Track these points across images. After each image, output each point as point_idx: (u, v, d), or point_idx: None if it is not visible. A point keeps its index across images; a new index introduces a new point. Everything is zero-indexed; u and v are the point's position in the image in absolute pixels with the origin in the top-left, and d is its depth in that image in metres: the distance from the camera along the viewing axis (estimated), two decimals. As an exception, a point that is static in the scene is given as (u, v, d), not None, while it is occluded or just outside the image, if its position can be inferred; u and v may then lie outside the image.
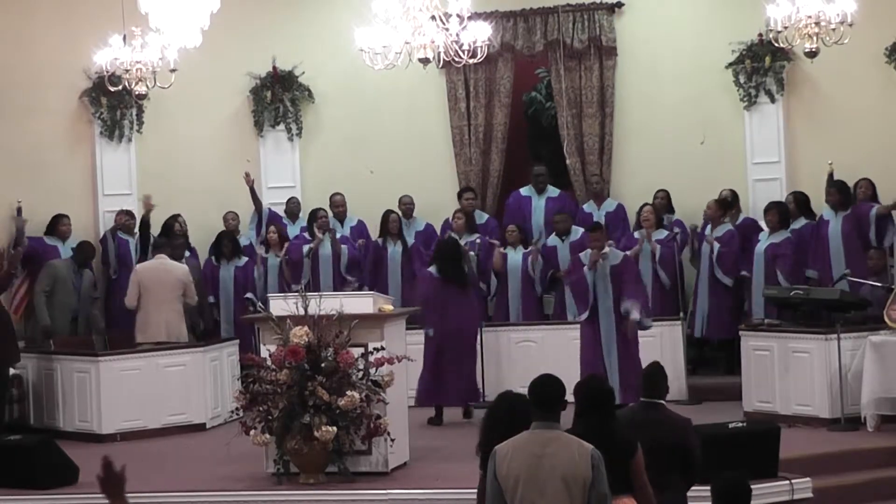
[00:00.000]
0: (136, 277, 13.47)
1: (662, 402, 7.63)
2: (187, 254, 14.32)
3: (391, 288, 14.19)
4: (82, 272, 13.99)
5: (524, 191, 15.14)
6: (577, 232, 14.39)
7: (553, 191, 15.12)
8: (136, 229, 14.63)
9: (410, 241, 14.85)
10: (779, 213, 13.75)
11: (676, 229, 14.15)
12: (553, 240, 14.53)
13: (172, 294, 13.33)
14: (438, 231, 14.94)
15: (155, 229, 14.70)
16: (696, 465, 7.49)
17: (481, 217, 14.99)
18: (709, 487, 6.25)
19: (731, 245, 14.00)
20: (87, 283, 14.05)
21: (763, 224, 14.08)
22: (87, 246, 14.18)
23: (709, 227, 14.17)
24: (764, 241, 13.77)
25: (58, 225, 14.57)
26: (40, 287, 13.85)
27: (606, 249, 11.97)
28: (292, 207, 15.36)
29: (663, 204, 14.59)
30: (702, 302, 14.10)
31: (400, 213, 14.94)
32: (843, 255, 13.51)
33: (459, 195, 15.02)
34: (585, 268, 11.97)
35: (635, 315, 11.82)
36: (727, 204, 14.27)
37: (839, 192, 13.66)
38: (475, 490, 7.08)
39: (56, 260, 14.13)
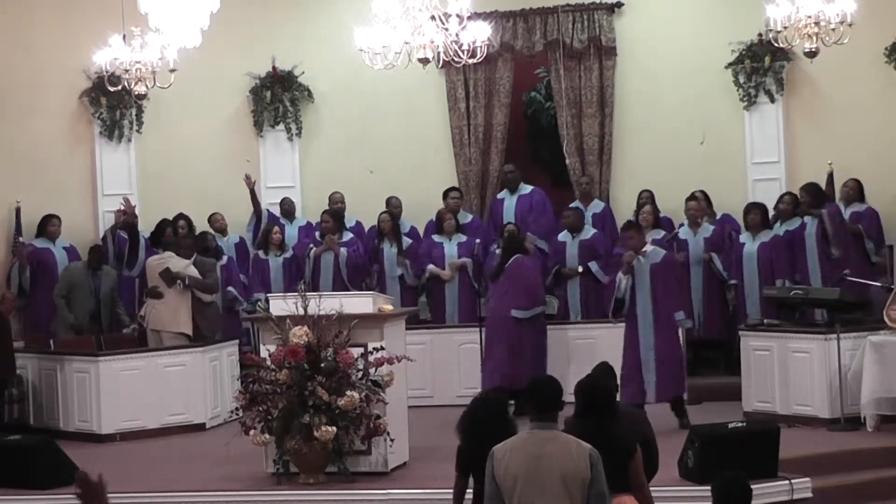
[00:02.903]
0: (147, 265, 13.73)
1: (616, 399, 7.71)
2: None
3: (388, 288, 14.18)
4: (99, 274, 13.88)
5: (501, 194, 15.15)
6: (590, 231, 14.36)
7: (525, 188, 15.04)
8: (123, 233, 14.53)
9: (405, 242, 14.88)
10: (760, 214, 13.80)
11: (676, 233, 14.14)
12: (564, 236, 14.43)
13: (165, 287, 13.31)
14: (422, 233, 14.92)
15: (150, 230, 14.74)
16: (657, 455, 7.57)
17: (465, 217, 14.98)
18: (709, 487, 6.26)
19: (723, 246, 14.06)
20: (108, 282, 13.92)
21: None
22: (98, 249, 14.08)
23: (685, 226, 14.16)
24: (751, 242, 13.76)
25: (46, 226, 14.57)
26: (58, 292, 13.82)
27: (647, 248, 11.86)
28: (287, 207, 15.35)
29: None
30: (696, 303, 14.03)
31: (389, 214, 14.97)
32: (817, 259, 13.47)
33: (445, 195, 14.96)
34: (620, 271, 11.82)
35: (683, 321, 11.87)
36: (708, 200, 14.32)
37: (810, 195, 13.49)
38: (475, 491, 7.10)
39: (72, 264, 14.14)
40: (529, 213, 14.81)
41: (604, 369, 7.90)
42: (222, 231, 15.07)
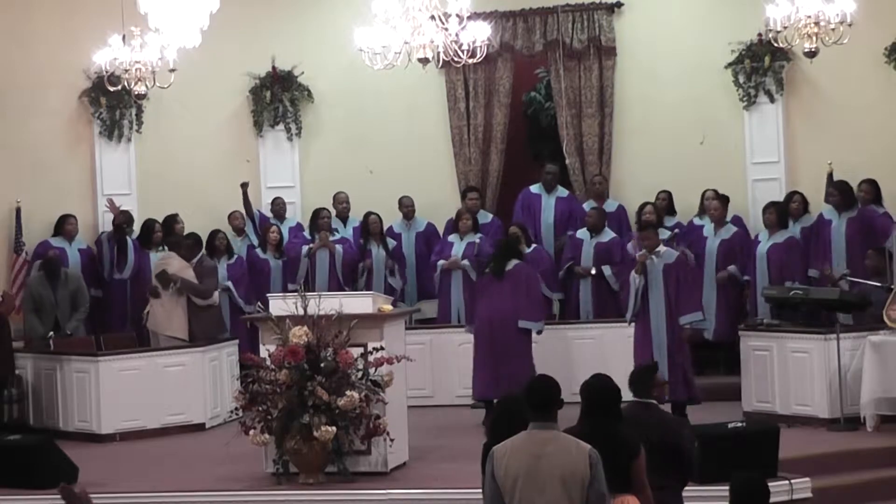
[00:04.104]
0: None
1: (654, 401, 7.65)
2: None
3: (375, 290, 14.10)
4: (55, 284, 13.66)
5: (534, 188, 15.08)
6: (608, 234, 14.28)
7: (562, 191, 15.08)
8: (111, 236, 14.53)
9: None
10: (777, 213, 13.72)
11: (677, 230, 14.11)
12: (583, 233, 14.35)
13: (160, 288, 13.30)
14: (441, 231, 14.92)
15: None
16: (691, 464, 7.51)
17: (485, 217, 14.97)
18: (724, 487, 6.25)
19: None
20: (65, 289, 13.67)
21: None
22: (50, 260, 13.87)
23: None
24: (765, 241, 13.73)
25: (63, 224, 14.58)
26: (26, 307, 13.77)
27: (661, 249, 11.88)
28: (278, 208, 15.34)
29: (664, 205, 14.57)
30: (708, 304, 13.92)
31: (398, 214, 15.00)
32: (845, 256, 13.45)
33: (463, 195, 15.01)
34: (633, 272, 11.83)
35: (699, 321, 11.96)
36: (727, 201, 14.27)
37: (840, 193, 13.57)
38: (475, 490, 7.09)
39: (29, 277, 14.06)
40: (569, 218, 14.82)
41: (649, 368, 7.82)
42: (239, 231, 15.04)
